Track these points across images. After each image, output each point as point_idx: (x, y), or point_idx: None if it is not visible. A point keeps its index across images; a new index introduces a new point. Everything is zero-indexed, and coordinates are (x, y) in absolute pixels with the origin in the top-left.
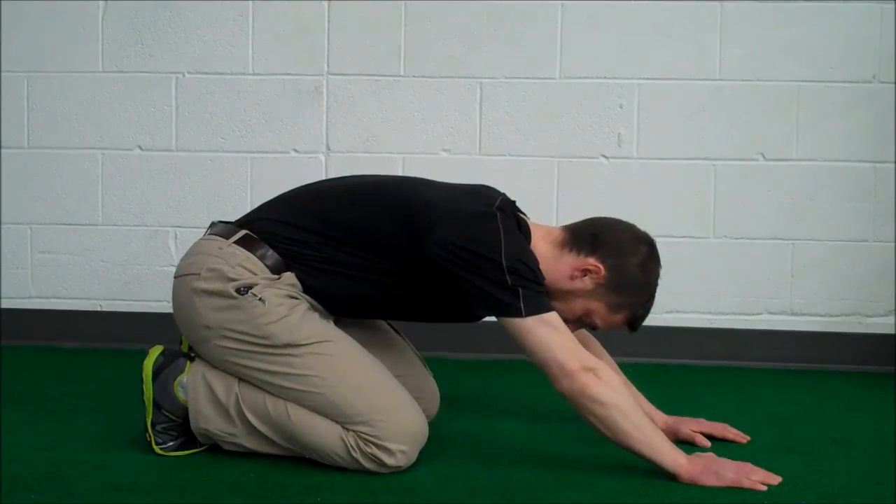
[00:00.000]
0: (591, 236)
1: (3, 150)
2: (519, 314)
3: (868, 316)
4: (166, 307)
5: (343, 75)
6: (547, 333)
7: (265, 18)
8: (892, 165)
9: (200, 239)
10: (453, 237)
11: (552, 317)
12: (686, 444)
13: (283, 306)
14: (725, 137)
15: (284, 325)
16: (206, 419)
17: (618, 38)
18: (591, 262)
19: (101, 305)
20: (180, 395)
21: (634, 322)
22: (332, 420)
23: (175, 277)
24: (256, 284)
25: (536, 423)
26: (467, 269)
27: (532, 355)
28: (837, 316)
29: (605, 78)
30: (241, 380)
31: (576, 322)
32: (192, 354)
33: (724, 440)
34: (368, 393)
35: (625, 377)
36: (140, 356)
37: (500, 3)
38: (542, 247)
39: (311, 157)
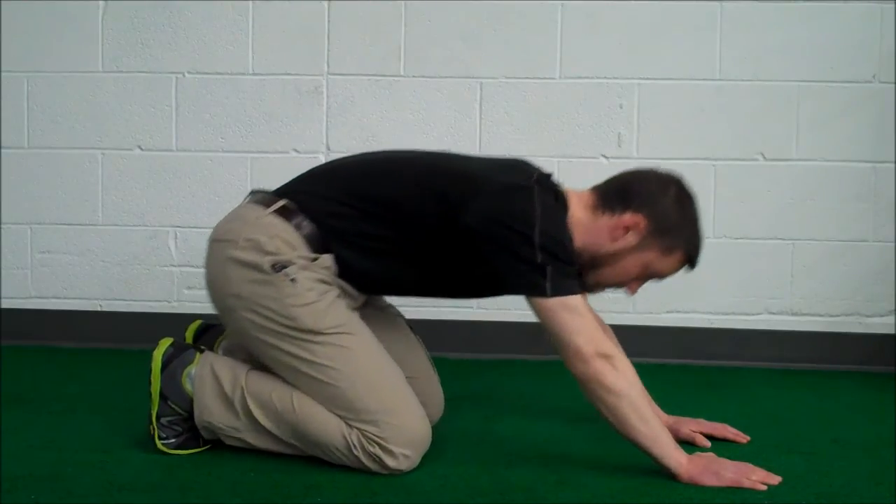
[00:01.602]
0: (620, 192)
1: (3, 150)
2: (544, 294)
3: (868, 316)
4: (166, 307)
5: (343, 75)
6: (569, 316)
7: (265, 18)
8: (892, 165)
9: (240, 205)
10: (488, 210)
11: (577, 299)
12: (686, 444)
13: (313, 291)
14: (725, 137)
15: (311, 311)
16: (211, 412)
17: (618, 38)
18: (628, 217)
19: (101, 305)
20: (188, 386)
21: (693, 257)
22: (339, 414)
23: (211, 241)
24: (293, 264)
25: (536, 423)
26: (499, 243)
27: (551, 335)
28: (837, 316)
29: (605, 78)
30: (248, 373)
31: (638, 280)
32: (202, 347)
33: (724, 440)
34: (381, 392)
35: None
36: (140, 356)
37: (500, 3)
38: (580, 213)
39: (311, 157)
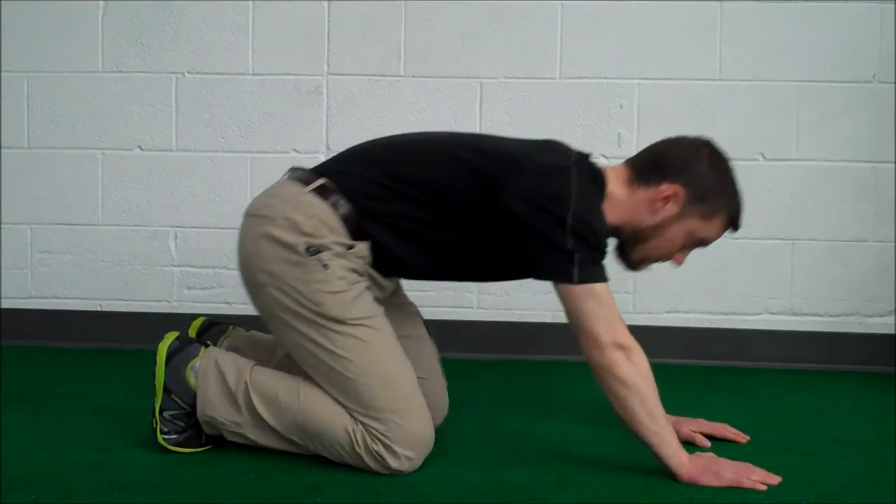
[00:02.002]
0: (653, 164)
1: (3, 150)
2: (571, 280)
3: (868, 316)
4: (166, 307)
5: (343, 75)
6: (594, 303)
7: (265, 18)
8: (892, 165)
9: (278, 182)
10: (526, 190)
11: (603, 287)
12: (686, 444)
13: (343, 280)
14: (725, 137)
15: (338, 299)
16: (214, 406)
17: (618, 38)
18: (665, 187)
19: (101, 305)
20: (191, 379)
21: (735, 218)
22: (347, 406)
23: (246, 215)
24: (328, 250)
25: (536, 423)
26: (532, 225)
27: (572, 320)
28: (837, 316)
29: (605, 78)
30: (252, 368)
31: (684, 249)
32: (207, 341)
33: (724, 440)
34: (392, 391)
35: None
36: (140, 356)
37: (500, 3)
38: (618, 190)
39: (311, 157)
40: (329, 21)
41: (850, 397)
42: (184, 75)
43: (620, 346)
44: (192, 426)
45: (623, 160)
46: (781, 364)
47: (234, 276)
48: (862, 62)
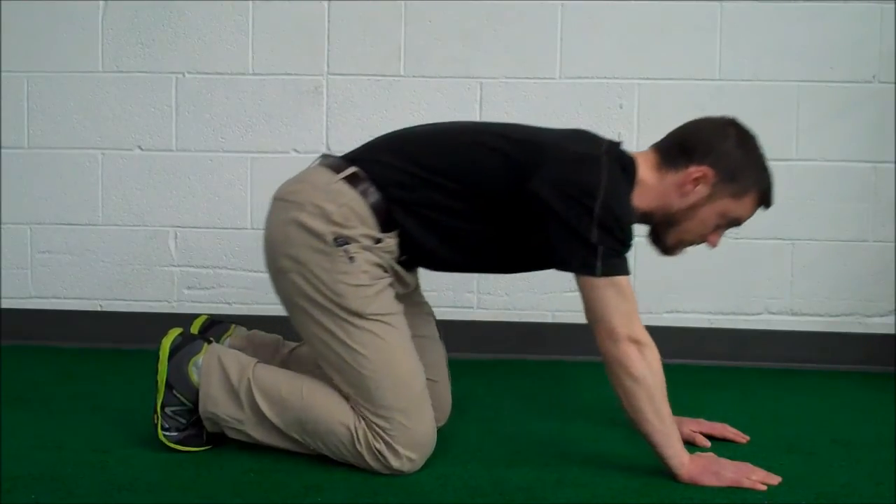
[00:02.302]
0: (680, 147)
1: (3, 150)
2: (594, 273)
3: (868, 316)
4: (166, 307)
5: (343, 75)
6: (614, 295)
7: (265, 18)
8: (892, 165)
9: (309, 167)
10: (556, 178)
11: (625, 280)
12: (686, 444)
13: (366, 274)
14: None
15: (359, 293)
16: (216, 403)
17: (618, 38)
18: (693, 170)
19: (101, 305)
20: (194, 376)
21: (767, 196)
22: (352, 402)
23: (275, 199)
24: (355, 242)
25: (536, 423)
26: (559, 213)
27: (589, 310)
28: (837, 316)
29: (605, 78)
30: (255, 365)
31: (718, 230)
32: (210, 338)
33: (724, 440)
34: (401, 391)
35: None
36: (140, 356)
37: (500, 3)
38: (647, 176)
39: (311, 157)
40: (329, 21)
41: (850, 397)
42: (184, 75)
43: (635, 341)
44: (194, 424)
45: (651, 145)
46: (781, 364)
47: (234, 275)
48: (862, 62)
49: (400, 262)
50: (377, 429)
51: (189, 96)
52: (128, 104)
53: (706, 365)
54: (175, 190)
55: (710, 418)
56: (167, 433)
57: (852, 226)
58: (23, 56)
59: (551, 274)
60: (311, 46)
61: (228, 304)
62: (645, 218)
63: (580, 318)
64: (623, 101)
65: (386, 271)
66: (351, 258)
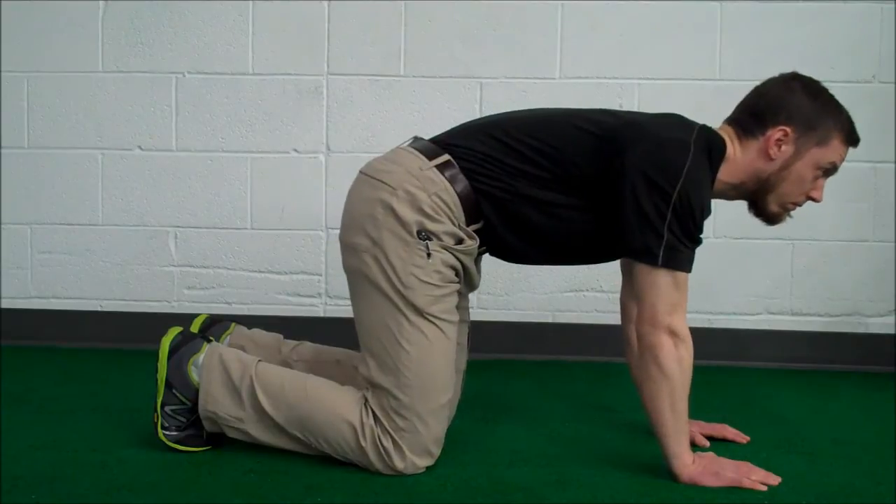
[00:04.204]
0: (752, 116)
1: (3, 150)
2: (654, 263)
3: (868, 316)
4: (166, 307)
5: (343, 75)
6: (668, 285)
7: (265, 18)
8: (892, 165)
9: (401, 148)
10: (644, 156)
11: (683, 276)
12: None
13: (439, 275)
14: None
15: (425, 290)
16: (216, 401)
17: (618, 38)
18: (771, 132)
19: (101, 305)
20: (193, 375)
21: (852, 133)
22: (375, 392)
23: (364, 174)
24: (438, 240)
25: (536, 424)
26: (636, 192)
27: (639, 291)
28: (837, 316)
29: (605, 78)
30: (257, 363)
31: (816, 182)
32: (210, 336)
33: (724, 440)
34: (428, 399)
35: None
36: (140, 356)
37: (500, 3)
38: (735, 150)
39: (311, 157)
40: (329, 21)
41: (850, 397)
42: (184, 75)
43: (673, 333)
44: (193, 424)
45: (725, 120)
46: (781, 364)
47: (234, 275)
48: (862, 62)
49: (476, 257)
50: (390, 425)
51: (189, 96)
52: (128, 104)
53: (706, 365)
54: (175, 190)
55: (710, 418)
56: (167, 432)
57: (852, 226)
58: (23, 56)
59: (551, 274)
60: (311, 46)
61: (228, 303)
62: (738, 191)
63: (580, 318)
64: (623, 101)
65: (458, 275)
66: (428, 254)
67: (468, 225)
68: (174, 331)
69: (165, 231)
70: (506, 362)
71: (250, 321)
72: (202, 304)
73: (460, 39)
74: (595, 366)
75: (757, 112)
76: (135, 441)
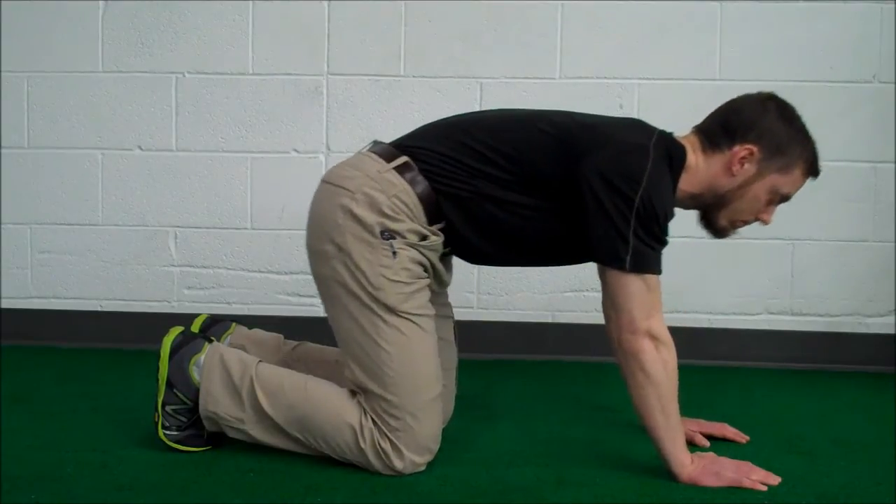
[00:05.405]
0: (722, 128)
1: (3, 150)
2: (623, 267)
3: (868, 316)
4: (166, 307)
5: (343, 75)
6: (637, 289)
7: (265, 18)
8: (892, 165)
9: (360, 153)
10: (604, 163)
11: (653, 278)
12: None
13: (407, 272)
14: None
15: (397, 289)
16: (216, 401)
17: (618, 38)
18: (737, 149)
19: (101, 305)
20: (194, 375)
21: (814, 166)
22: (366, 393)
23: (325, 182)
24: (402, 238)
25: (536, 424)
26: (599, 199)
27: (613, 298)
28: (837, 316)
29: (605, 78)
30: (258, 363)
31: (769, 206)
32: (211, 336)
33: (724, 440)
34: (417, 394)
35: None
36: (140, 356)
37: (500, 3)
38: (694, 160)
39: (311, 157)
40: (329, 21)
41: (850, 397)
42: (184, 75)
43: (653, 336)
44: (194, 424)
45: (693, 128)
46: (781, 364)
47: (233, 275)
48: (862, 62)
49: (442, 256)
50: (384, 427)
51: (189, 96)
52: (128, 104)
53: (706, 365)
54: (175, 190)
55: (710, 418)
56: (167, 432)
57: (852, 226)
58: (23, 56)
59: (551, 274)
60: (311, 46)
61: (228, 303)
62: (695, 202)
63: (580, 318)
64: (623, 101)
65: (426, 271)
66: (394, 253)
67: (430, 225)
68: (175, 330)
69: (165, 231)
70: (506, 362)
71: (250, 321)
72: (202, 304)
73: (460, 39)
74: (595, 366)
75: (727, 126)
76: (135, 441)
